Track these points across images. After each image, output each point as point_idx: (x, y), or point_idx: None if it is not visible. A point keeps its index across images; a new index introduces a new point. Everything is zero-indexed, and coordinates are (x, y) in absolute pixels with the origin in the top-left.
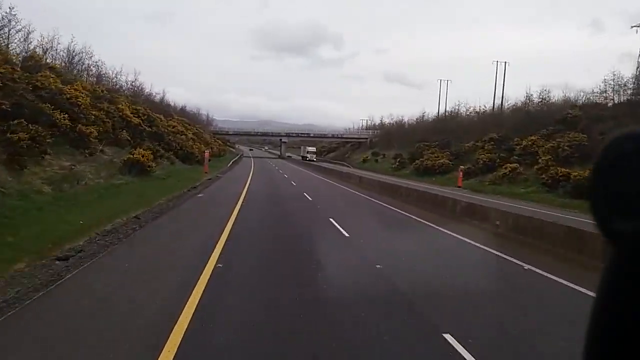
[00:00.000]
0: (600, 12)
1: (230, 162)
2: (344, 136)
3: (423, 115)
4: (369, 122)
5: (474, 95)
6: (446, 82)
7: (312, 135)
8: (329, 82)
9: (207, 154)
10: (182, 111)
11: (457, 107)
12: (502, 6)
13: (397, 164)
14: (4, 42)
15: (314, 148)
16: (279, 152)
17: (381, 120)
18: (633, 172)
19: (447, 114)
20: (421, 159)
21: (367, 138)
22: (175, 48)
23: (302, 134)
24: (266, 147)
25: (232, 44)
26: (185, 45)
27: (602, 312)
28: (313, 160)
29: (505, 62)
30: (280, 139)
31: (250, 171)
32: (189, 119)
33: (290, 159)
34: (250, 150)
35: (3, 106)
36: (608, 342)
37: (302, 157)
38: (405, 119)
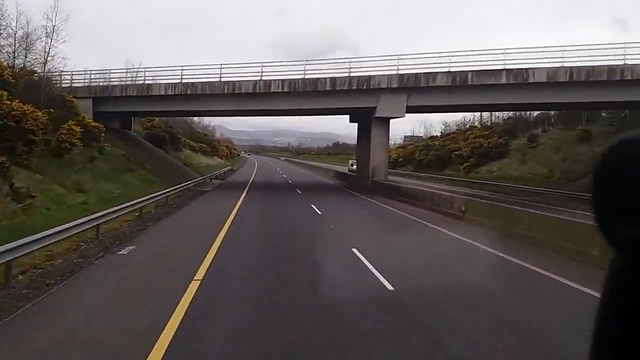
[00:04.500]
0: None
1: None
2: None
3: None
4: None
5: None
6: None
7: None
8: None
9: None
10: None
11: None
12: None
13: None
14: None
15: None
16: (352, 163)
17: None
18: (634, 178)
19: None
20: None
21: None
22: (191, 61)
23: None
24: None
25: (249, 57)
26: (201, 59)
27: (606, 317)
28: None
29: None
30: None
31: None
32: None
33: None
34: (249, 154)
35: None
36: (613, 347)
37: None
38: None
